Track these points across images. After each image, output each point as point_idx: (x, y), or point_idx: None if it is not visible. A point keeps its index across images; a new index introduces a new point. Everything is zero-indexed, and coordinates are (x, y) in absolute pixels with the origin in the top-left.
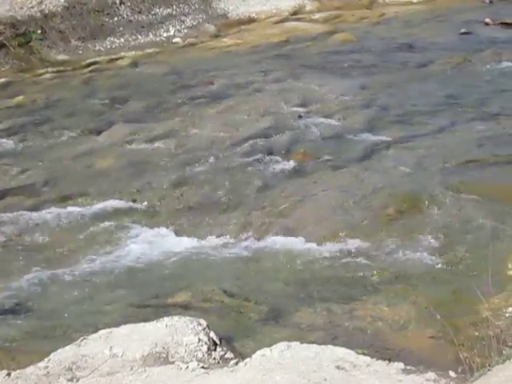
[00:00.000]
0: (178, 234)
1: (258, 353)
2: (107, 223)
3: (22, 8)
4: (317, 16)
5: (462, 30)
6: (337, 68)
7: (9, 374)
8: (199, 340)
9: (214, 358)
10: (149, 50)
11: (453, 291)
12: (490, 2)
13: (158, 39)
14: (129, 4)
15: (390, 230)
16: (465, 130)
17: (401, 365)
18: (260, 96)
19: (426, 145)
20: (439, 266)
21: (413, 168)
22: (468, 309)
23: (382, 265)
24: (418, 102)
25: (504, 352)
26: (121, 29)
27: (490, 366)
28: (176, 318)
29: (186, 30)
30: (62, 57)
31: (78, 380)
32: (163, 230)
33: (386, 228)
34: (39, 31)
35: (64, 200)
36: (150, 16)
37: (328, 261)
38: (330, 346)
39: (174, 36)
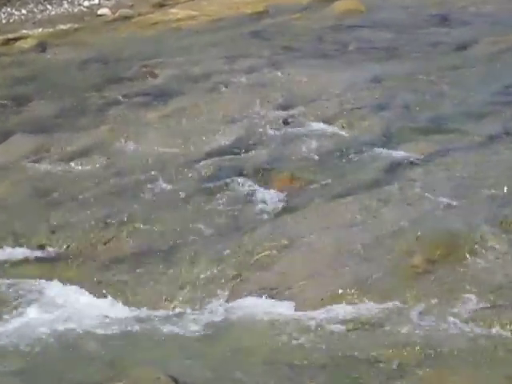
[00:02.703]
0: (106, 296)
1: None
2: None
3: None
4: None
5: None
6: (338, 52)
7: None
8: None
9: None
10: (63, 27)
11: (508, 376)
12: None
13: (75, 10)
14: None
15: (417, 289)
16: None
17: None
18: (226, 93)
19: (468, 163)
20: (488, 340)
21: (449, 197)
22: None
23: (406, 340)
24: (455, 101)
25: None
26: None
27: None
28: None
29: None
30: None
31: None
32: (84, 291)
33: (411, 286)
34: None
35: None
36: None
37: (326, 335)
38: None
39: (100, 5)
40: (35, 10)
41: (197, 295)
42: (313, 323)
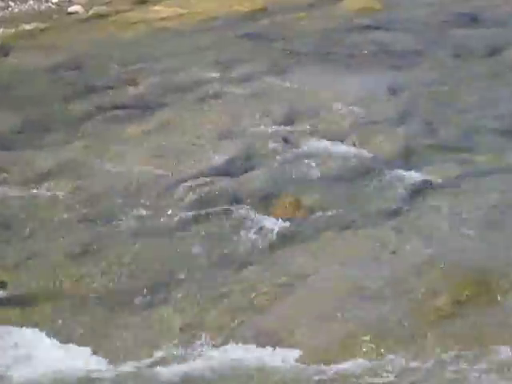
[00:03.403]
0: (75, 343)
1: None
2: None
3: None
4: None
5: None
6: (348, 57)
7: None
8: None
9: None
10: (28, 27)
11: None
12: None
13: (42, 7)
14: None
15: (442, 336)
16: None
17: None
18: (217, 105)
19: (500, 188)
20: None
21: (478, 227)
22: None
23: None
24: (485, 116)
25: None
26: None
27: None
28: None
29: None
30: None
31: None
32: (50, 337)
33: (435, 332)
34: None
35: None
36: None
37: None
38: None
39: (71, 2)
40: None
41: (182, 342)
42: (318, 378)
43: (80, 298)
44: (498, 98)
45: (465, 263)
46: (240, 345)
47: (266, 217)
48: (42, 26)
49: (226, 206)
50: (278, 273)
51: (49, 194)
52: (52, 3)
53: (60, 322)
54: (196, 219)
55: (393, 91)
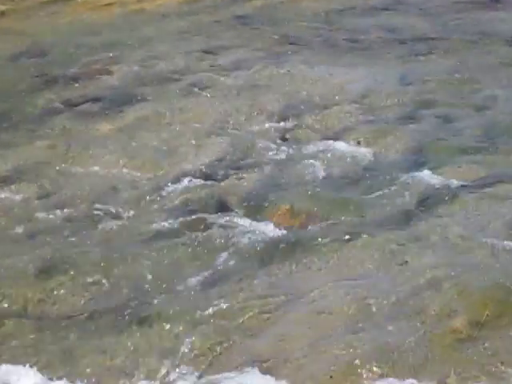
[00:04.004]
0: (44, 369)
1: None
2: None
3: None
4: None
5: None
6: (354, 43)
7: None
8: None
9: None
10: None
11: None
12: None
13: None
14: None
15: (458, 362)
16: None
17: None
18: (204, 98)
19: None
20: None
21: (501, 238)
22: None
23: None
24: (510, 110)
25: None
26: None
27: None
28: None
29: None
30: None
31: None
32: (15, 363)
33: (451, 358)
34: None
35: None
36: None
37: None
38: None
39: None
40: None
41: (164, 368)
42: None
43: (49, 317)
44: None
45: (485, 279)
46: (227, 373)
47: (259, 226)
48: (0, 8)
49: (212, 214)
50: (272, 290)
51: (7, 201)
52: None
53: (27, 345)
54: (178, 229)
55: (404, 83)
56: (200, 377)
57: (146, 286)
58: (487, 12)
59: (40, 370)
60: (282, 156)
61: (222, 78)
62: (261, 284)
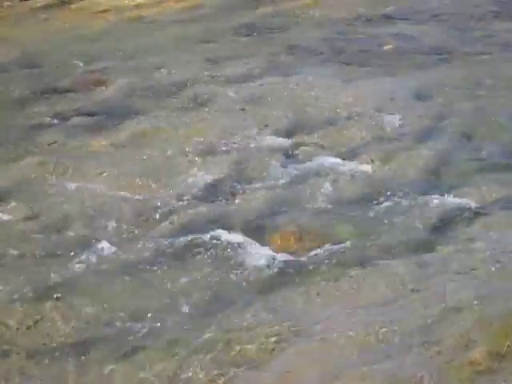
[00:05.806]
0: None
1: None
2: None
3: None
4: None
5: None
6: (367, 54)
7: None
8: None
9: None
10: None
11: None
12: None
13: None
14: None
15: None
16: None
17: None
18: (205, 113)
19: None
20: None
21: None
22: None
23: None
24: None
25: None
26: None
27: None
28: None
29: None
30: None
31: None
32: None
33: None
34: None
35: None
36: None
37: None
38: None
39: None
40: None
41: None
42: None
43: (36, 346)
44: None
45: (506, 307)
46: None
47: (262, 250)
48: None
49: (212, 237)
50: (277, 319)
51: None
52: None
53: (12, 375)
54: (176, 252)
55: (419, 96)
56: None
57: (142, 312)
58: (503, 22)
59: None
60: (288, 175)
61: (225, 91)
62: (265, 312)
